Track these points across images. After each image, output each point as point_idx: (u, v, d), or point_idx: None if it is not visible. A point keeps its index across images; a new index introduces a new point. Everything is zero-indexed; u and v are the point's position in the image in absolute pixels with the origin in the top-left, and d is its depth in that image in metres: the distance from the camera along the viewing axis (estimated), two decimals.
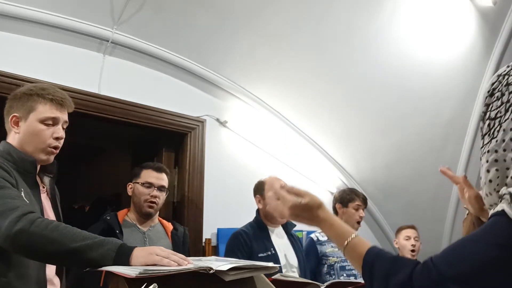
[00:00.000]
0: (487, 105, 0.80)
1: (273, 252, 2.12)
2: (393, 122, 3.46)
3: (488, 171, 0.77)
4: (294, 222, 2.32)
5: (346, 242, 0.89)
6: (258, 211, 2.28)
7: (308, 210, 0.96)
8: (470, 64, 3.28)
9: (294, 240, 2.31)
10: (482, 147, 0.80)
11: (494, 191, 0.76)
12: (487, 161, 0.77)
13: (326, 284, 1.65)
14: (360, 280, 1.74)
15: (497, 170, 0.75)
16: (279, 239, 2.23)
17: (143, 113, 2.63)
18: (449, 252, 0.74)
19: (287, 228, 2.32)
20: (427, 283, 0.71)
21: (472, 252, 0.69)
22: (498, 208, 0.71)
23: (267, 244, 2.15)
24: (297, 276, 2.10)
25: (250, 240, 2.11)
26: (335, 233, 0.93)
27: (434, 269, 0.71)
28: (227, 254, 2.12)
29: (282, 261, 2.13)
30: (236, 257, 1.94)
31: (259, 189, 2.27)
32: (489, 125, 0.78)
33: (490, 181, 0.76)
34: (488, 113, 0.79)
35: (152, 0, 2.41)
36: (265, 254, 2.08)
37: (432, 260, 0.73)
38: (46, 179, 1.46)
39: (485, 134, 0.79)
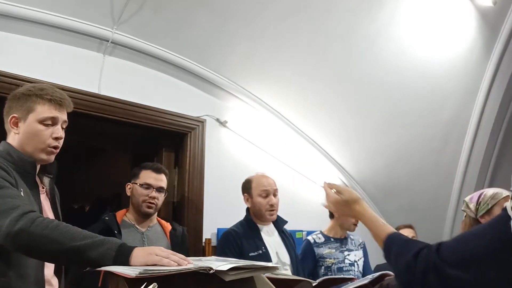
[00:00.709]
0: None
1: (264, 250, 2.09)
2: (393, 122, 3.46)
3: None
4: (286, 219, 2.31)
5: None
6: (248, 209, 2.25)
7: (347, 205, 1.21)
8: (470, 64, 3.28)
9: (285, 236, 2.27)
10: None
11: None
12: None
13: (318, 280, 1.65)
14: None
15: None
16: (269, 237, 2.19)
17: (143, 113, 2.63)
18: (456, 241, 0.86)
19: (278, 224, 2.27)
20: (427, 264, 0.84)
21: (477, 241, 0.80)
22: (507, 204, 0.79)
23: (258, 242, 2.11)
24: (290, 273, 2.07)
25: (240, 239, 2.08)
26: (367, 222, 1.16)
27: (437, 253, 0.84)
28: (219, 254, 2.10)
29: (274, 259, 2.09)
30: (227, 257, 1.93)
31: (246, 187, 2.26)
32: None
33: None
34: None
35: (152, 0, 2.40)
36: (256, 253, 2.05)
37: (440, 245, 0.86)
38: (46, 180, 1.46)
39: None
